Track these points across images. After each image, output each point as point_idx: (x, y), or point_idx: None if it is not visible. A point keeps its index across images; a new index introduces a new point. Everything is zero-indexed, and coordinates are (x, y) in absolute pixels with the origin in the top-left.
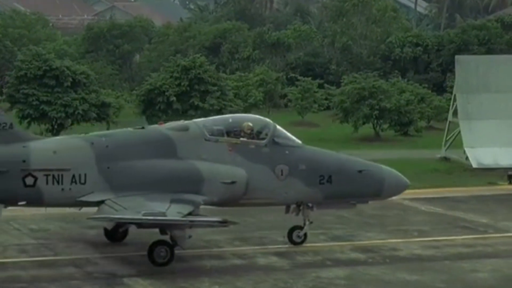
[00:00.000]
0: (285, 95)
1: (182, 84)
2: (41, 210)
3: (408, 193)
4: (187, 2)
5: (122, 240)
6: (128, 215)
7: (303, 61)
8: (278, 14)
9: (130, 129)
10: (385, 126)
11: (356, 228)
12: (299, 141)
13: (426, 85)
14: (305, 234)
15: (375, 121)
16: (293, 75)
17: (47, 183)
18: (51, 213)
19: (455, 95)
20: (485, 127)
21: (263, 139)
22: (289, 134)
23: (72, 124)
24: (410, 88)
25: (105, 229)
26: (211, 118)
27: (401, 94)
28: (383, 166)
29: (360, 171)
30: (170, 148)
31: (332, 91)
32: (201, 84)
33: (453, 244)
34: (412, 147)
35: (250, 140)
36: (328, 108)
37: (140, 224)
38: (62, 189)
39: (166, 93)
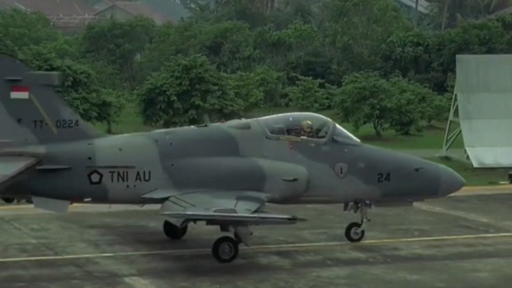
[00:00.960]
0: (286, 95)
1: (183, 83)
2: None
3: None
4: (188, 2)
5: (181, 237)
6: (199, 212)
7: (304, 60)
8: (279, 14)
9: (193, 127)
10: (386, 125)
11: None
12: (358, 140)
13: (427, 85)
14: (363, 232)
15: (376, 120)
16: (294, 74)
17: (112, 180)
18: (51, 212)
19: (455, 95)
20: (486, 127)
21: (322, 137)
22: (348, 133)
23: None
24: (411, 88)
25: (165, 226)
26: (271, 116)
27: (402, 94)
28: (439, 165)
29: (417, 169)
30: (232, 146)
31: (333, 90)
32: (202, 84)
33: (454, 243)
34: (413, 147)
35: (310, 138)
36: (329, 107)
37: (209, 221)
38: (127, 186)
39: (167, 93)
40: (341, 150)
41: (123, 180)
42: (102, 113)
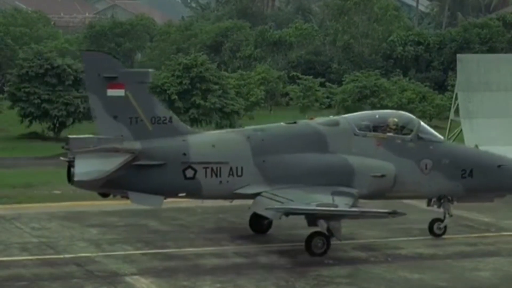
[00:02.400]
0: (286, 94)
1: (184, 82)
2: (42, 209)
3: None
4: (189, 1)
5: (266, 232)
6: (301, 206)
7: (304, 59)
8: (279, 13)
9: (283, 123)
10: None
11: (358, 226)
12: (442, 137)
13: (428, 84)
14: (445, 227)
15: None
16: (295, 73)
17: (206, 175)
18: (52, 211)
19: (456, 94)
20: (487, 126)
21: (408, 134)
22: (432, 130)
23: (73, 122)
24: (412, 87)
25: (251, 221)
26: (357, 113)
27: (403, 93)
28: None
29: (499, 166)
30: (322, 142)
31: (334, 89)
32: (202, 83)
33: (455, 242)
34: None
35: (396, 135)
36: (329, 106)
37: (309, 215)
38: (220, 182)
39: (168, 92)
40: (426, 146)
41: (216, 175)
42: None
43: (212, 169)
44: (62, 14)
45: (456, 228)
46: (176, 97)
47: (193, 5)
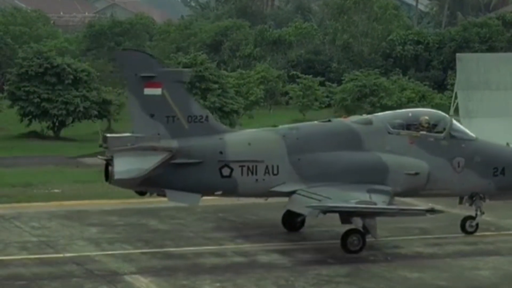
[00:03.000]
0: (286, 93)
1: None
2: (42, 208)
3: None
4: (188, 0)
5: (299, 229)
6: (341, 204)
7: (304, 58)
8: (279, 12)
9: (317, 122)
10: None
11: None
12: (473, 135)
13: (427, 83)
14: (477, 224)
15: None
16: (294, 72)
17: (242, 174)
18: (51, 211)
19: (456, 93)
20: (487, 125)
21: (440, 132)
22: (464, 128)
23: (73, 121)
24: (411, 86)
25: (284, 218)
26: (390, 112)
27: (402, 92)
28: None
29: None
30: (356, 141)
31: (333, 88)
32: (202, 82)
33: (455, 241)
34: None
35: (429, 134)
36: (329, 105)
37: (343, 213)
38: (256, 180)
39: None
40: (459, 145)
41: (252, 174)
42: (103, 111)
43: (248, 168)
44: (61, 13)
45: (456, 227)
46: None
47: (193, 4)
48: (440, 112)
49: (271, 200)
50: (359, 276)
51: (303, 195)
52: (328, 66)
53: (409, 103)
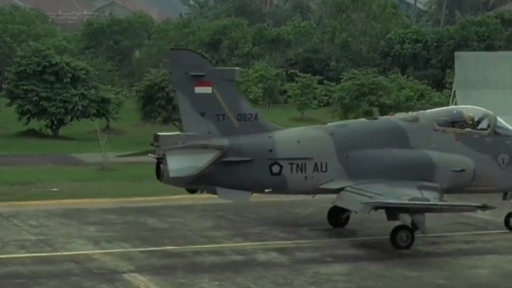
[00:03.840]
0: (284, 91)
1: None
2: (40, 206)
3: None
4: None
5: (344, 226)
6: (393, 201)
7: (302, 57)
8: (277, 10)
9: (363, 120)
10: None
11: (356, 224)
12: None
13: (426, 81)
14: None
15: None
16: (293, 71)
17: (291, 171)
18: (50, 209)
19: (454, 91)
20: None
21: (485, 129)
22: (507, 125)
23: (71, 120)
24: (410, 85)
25: (329, 215)
26: (436, 109)
27: (401, 90)
28: None
29: None
30: (403, 138)
31: (332, 87)
32: None
33: (453, 240)
34: None
35: (474, 130)
36: (327, 104)
37: (391, 209)
38: (305, 177)
39: (166, 89)
40: (503, 141)
41: (301, 171)
42: (101, 110)
43: (297, 165)
44: (60, 11)
45: (454, 226)
46: (174, 94)
47: (191, 2)
48: (483, 109)
49: (269, 199)
50: (357, 275)
51: (352, 192)
52: (327, 64)
53: (407, 101)
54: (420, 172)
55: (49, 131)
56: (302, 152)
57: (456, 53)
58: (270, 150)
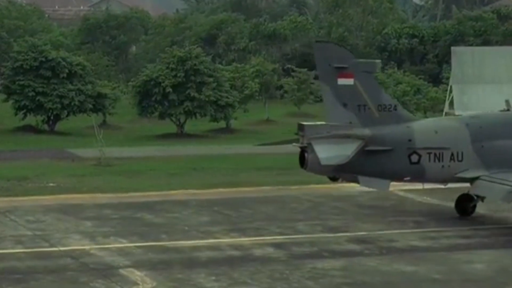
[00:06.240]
0: (281, 86)
1: (178, 75)
2: (37, 202)
3: (404, 184)
4: None
5: (470, 214)
6: None
7: (299, 52)
8: (274, 5)
9: (497, 111)
10: None
11: (353, 219)
12: None
13: (422, 76)
14: None
15: None
16: (289, 66)
17: (429, 160)
18: (47, 204)
19: (451, 86)
20: None
21: None
22: None
23: (68, 115)
24: (406, 80)
25: (457, 203)
26: None
27: (397, 85)
28: None
29: None
30: None
31: None
32: (197, 75)
33: (450, 235)
34: None
35: None
36: None
37: None
38: (442, 166)
39: (162, 84)
40: None
41: (439, 160)
42: (98, 105)
43: (435, 154)
44: (56, 7)
45: (451, 220)
46: (170, 89)
47: None
48: None
49: (266, 194)
50: (354, 270)
51: (488, 181)
52: None
53: (404, 96)
54: None
55: (45, 127)
56: (440, 142)
57: (452, 48)
58: (410, 140)
